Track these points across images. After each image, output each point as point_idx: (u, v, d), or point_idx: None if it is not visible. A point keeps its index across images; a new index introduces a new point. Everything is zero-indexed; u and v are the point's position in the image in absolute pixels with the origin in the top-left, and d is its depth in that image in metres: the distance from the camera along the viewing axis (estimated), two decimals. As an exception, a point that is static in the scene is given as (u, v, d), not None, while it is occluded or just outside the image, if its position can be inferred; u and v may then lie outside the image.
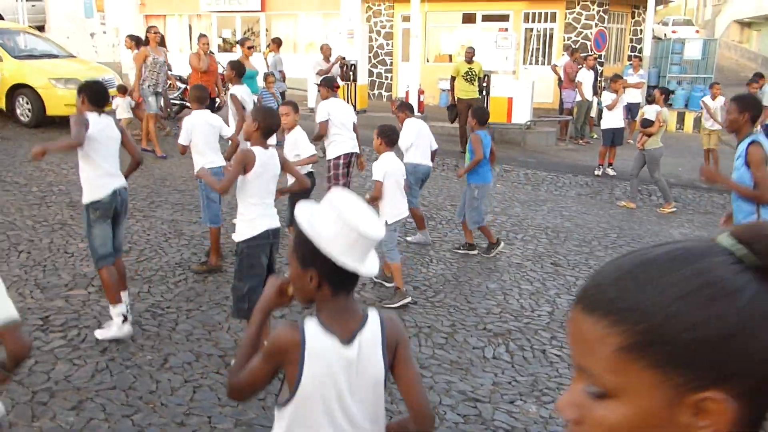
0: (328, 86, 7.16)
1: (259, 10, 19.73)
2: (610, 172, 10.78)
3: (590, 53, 15.32)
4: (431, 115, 14.75)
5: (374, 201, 5.28)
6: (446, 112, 13.36)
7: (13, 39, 12.04)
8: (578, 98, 13.38)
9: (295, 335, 1.70)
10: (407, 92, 13.96)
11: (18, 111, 11.15)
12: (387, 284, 5.67)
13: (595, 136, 13.69)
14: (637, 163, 9.23)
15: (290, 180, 5.05)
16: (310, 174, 5.99)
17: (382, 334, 1.78)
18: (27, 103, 11.07)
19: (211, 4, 19.95)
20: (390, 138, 5.41)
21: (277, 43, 11.18)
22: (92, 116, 4.43)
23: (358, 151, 6.87)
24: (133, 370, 4.02)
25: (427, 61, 18.51)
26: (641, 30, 19.01)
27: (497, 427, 3.76)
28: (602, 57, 16.89)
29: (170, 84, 10.64)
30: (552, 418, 3.88)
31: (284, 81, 12.09)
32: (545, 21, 17.76)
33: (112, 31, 21.31)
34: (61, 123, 11.28)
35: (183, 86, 12.70)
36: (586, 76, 13.26)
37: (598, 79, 14.46)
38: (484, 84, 12.55)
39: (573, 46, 16.50)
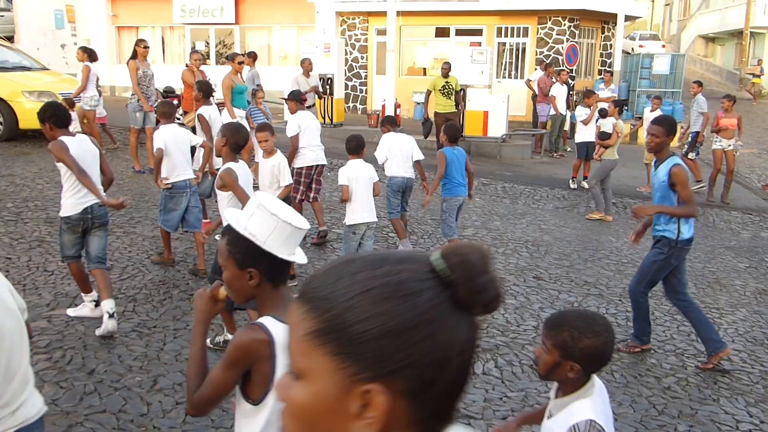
0: (297, 100, 7.51)
1: (233, 22, 19.67)
2: (585, 185, 10.96)
3: (562, 68, 15.59)
4: (407, 128, 14.81)
5: (343, 202, 5.86)
6: (419, 124, 13.48)
7: (-16, 51, 11.81)
8: (552, 112, 13.59)
9: (261, 334, 1.80)
10: (383, 105, 14.04)
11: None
12: None
13: (569, 149, 13.90)
14: (599, 175, 9.51)
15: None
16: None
17: None
18: (-1, 117, 10.86)
19: (185, 17, 19.83)
20: (350, 147, 5.89)
21: (252, 57, 11.17)
22: (67, 139, 4.65)
23: (324, 163, 7.30)
24: (122, 393, 3.96)
25: (401, 75, 18.64)
26: (611, 45, 19.42)
27: (491, 444, 3.79)
28: (573, 72, 17.21)
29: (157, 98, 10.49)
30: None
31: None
32: (518, 36, 18.04)
33: (84, 42, 20.99)
34: (34, 137, 11.10)
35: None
36: (559, 91, 13.48)
37: (571, 93, 14.72)
38: (461, 98, 12.69)
39: (545, 61, 16.78)
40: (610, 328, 2.09)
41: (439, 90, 11.86)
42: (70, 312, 4.98)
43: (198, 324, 1.97)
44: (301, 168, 7.08)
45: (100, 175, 4.95)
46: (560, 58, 17.10)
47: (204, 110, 7.27)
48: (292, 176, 6.87)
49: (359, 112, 18.80)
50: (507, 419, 4.04)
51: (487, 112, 13.26)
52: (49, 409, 3.75)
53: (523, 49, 18.07)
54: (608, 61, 19.40)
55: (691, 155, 10.94)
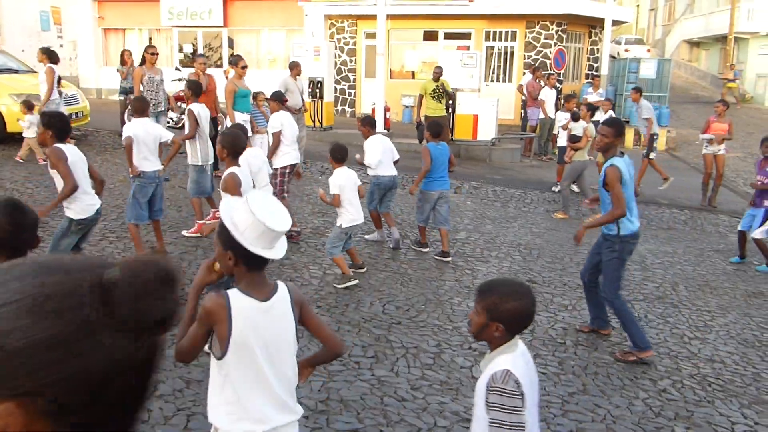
0: (279, 100, 7.87)
1: (221, 25, 19.61)
2: (574, 188, 11.04)
3: (551, 72, 15.72)
4: (396, 131, 14.88)
5: (334, 205, 6.16)
6: (409, 127, 13.52)
7: (-29, 53, 11.69)
8: (541, 116, 13.69)
9: (221, 299, 2.17)
10: (373, 109, 14.06)
11: (-24, 127, 10.81)
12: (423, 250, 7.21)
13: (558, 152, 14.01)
14: (569, 177, 9.87)
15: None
16: None
17: (290, 296, 2.32)
18: (-14, 120, 10.75)
19: (173, 19, 19.74)
20: (338, 156, 6.21)
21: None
22: (65, 147, 4.84)
23: (299, 161, 7.82)
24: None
25: (390, 78, 18.68)
26: (598, 49, 19.58)
27: (492, 447, 3.81)
28: (561, 75, 17.34)
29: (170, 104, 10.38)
30: (544, 437, 3.96)
31: None
32: (506, 39, 18.15)
33: (70, 44, 20.87)
34: (22, 140, 10.98)
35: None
36: (548, 95, 13.59)
37: (559, 97, 14.83)
38: (450, 102, 12.75)
39: (533, 65, 16.91)
40: (531, 294, 2.37)
41: (430, 94, 11.90)
42: None
43: (192, 287, 2.32)
44: (285, 167, 7.45)
45: (91, 180, 5.14)
46: (548, 62, 17.24)
47: (195, 107, 7.45)
48: (276, 176, 7.36)
49: (348, 116, 18.81)
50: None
51: (477, 115, 13.33)
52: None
53: (512, 53, 18.19)
54: (595, 65, 19.56)
55: (652, 155, 11.11)
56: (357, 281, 6.19)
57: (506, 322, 2.28)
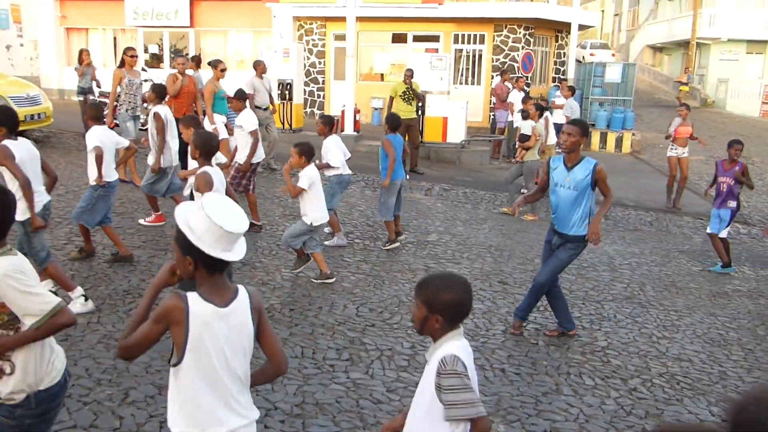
0: (242, 98, 7.99)
1: (188, 25, 19.37)
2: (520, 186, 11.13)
3: (519, 75, 15.89)
4: (366, 133, 14.89)
5: (292, 194, 6.14)
6: (378, 129, 13.52)
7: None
8: (510, 118, 13.82)
9: (180, 301, 2.13)
10: (343, 111, 14.03)
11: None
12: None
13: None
14: (515, 173, 10.10)
15: None
16: None
17: (250, 301, 2.29)
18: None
19: (138, 19, 19.43)
20: (310, 154, 6.18)
21: (195, 61, 11.05)
22: (11, 143, 4.75)
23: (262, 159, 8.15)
24: (92, 407, 3.85)
25: (359, 80, 18.68)
26: (565, 53, 19.89)
27: (468, 449, 3.82)
28: (529, 79, 17.55)
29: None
30: (519, 437, 3.99)
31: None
32: (474, 42, 18.30)
33: (30, 43, 20.38)
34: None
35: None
36: (516, 97, 13.72)
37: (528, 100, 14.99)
38: (420, 104, 12.79)
39: (502, 68, 17.08)
40: (466, 285, 2.40)
41: (401, 96, 11.92)
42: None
43: (150, 286, 2.31)
44: (256, 164, 7.78)
45: (44, 176, 5.13)
46: (516, 65, 17.43)
47: (160, 109, 7.38)
48: (237, 171, 7.53)
49: (317, 117, 18.73)
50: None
51: (447, 118, 13.40)
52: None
53: (480, 56, 18.35)
54: (562, 68, 19.86)
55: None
56: (334, 279, 6.28)
57: (444, 313, 2.34)
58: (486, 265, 7.30)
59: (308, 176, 6.08)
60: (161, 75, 15.04)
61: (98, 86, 12.05)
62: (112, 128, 9.19)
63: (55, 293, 4.86)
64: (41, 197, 5.00)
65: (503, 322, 5.74)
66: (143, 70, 9.71)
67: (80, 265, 6.12)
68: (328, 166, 7.32)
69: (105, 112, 8.03)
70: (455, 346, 2.33)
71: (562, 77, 18.05)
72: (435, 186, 11.12)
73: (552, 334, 5.54)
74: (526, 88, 15.45)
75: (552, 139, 10.49)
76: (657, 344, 5.58)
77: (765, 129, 22.59)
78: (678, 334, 5.86)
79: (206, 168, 4.95)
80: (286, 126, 14.00)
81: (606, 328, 5.85)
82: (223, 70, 9.41)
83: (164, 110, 7.40)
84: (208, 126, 8.79)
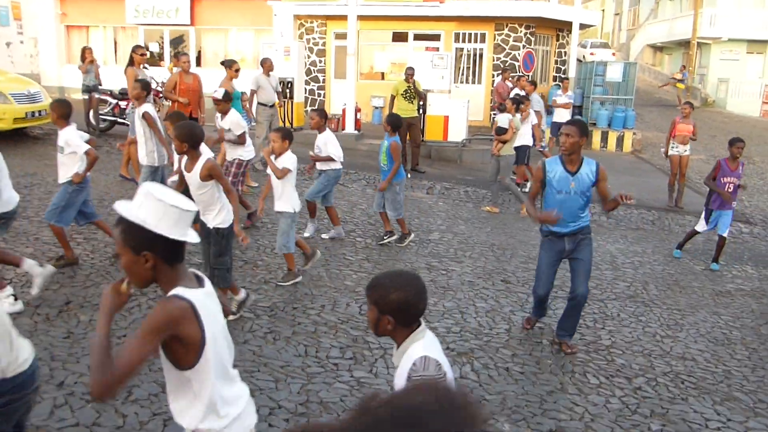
0: (228, 100, 7.76)
1: (188, 23, 19.33)
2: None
3: (521, 74, 15.86)
4: (367, 132, 14.86)
5: (278, 175, 5.95)
6: (379, 128, 13.48)
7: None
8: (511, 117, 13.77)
9: (182, 302, 2.01)
10: (344, 110, 14.01)
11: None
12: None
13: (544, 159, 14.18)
14: (493, 169, 10.05)
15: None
16: None
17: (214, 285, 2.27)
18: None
19: (138, 17, 19.39)
20: (291, 139, 6.08)
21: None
22: None
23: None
24: (95, 405, 3.82)
25: (359, 79, 18.65)
26: (566, 52, 19.86)
27: (473, 448, 3.80)
28: (530, 78, 17.52)
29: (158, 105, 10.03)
30: (524, 436, 3.97)
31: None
32: (475, 41, 18.27)
33: (30, 41, 20.34)
34: (-18, 138, 10.66)
35: (114, 101, 12.29)
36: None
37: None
38: (421, 103, 12.77)
39: (503, 67, 17.05)
40: (415, 283, 2.31)
41: (402, 94, 11.89)
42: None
43: (102, 315, 2.07)
44: (244, 161, 7.64)
45: None
46: (517, 64, 17.40)
47: (149, 108, 7.30)
48: (230, 165, 7.51)
49: (309, 111, 18.70)
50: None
51: (448, 117, 13.38)
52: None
53: (481, 55, 18.32)
54: (563, 67, 19.82)
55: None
56: (300, 278, 6.18)
57: (394, 314, 2.25)
58: (489, 264, 7.28)
59: (292, 159, 6.03)
60: (164, 73, 15.04)
61: (99, 84, 12.02)
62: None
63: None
64: (12, 194, 5.07)
65: (506, 321, 5.72)
66: (144, 68, 9.65)
67: (82, 262, 6.08)
68: (330, 159, 7.29)
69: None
70: (421, 346, 2.26)
71: (563, 76, 18.00)
72: (436, 185, 11.10)
73: (572, 350, 5.19)
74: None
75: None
76: (661, 343, 5.56)
77: (765, 129, 22.57)
78: (682, 333, 5.84)
79: (209, 155, 4.94)
80: (287, 124, 13.97)
81: (610, 326, 5.83)
82: (237, 70, 9.46)
83: (151, 108, 7.34)
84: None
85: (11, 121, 10.72)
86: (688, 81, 25.69)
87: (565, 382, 4.70)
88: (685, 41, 27.69)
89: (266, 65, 10.98)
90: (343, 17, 14.22)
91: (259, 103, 10.66)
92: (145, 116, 7.15)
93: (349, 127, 13.71)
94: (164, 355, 2.11)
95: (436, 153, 13.54)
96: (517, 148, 10.63)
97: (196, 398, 2.14)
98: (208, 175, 4.77)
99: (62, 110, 5.88)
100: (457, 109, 13.48)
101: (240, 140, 7.49)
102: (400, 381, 2.27)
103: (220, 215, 4.97)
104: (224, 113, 7.47)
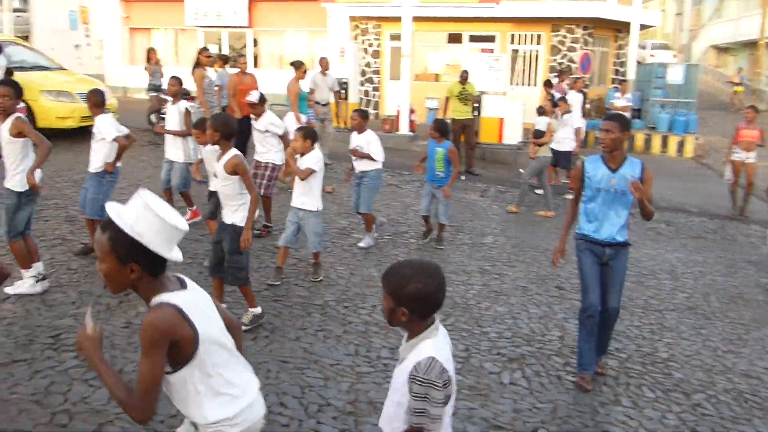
0: (263, 103, 7.50)
1: (246, 25, 19.71)
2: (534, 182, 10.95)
3: (578, 76, 15.57)
4: (421, 133, 14.82)
5: (300, 175, 5.92)
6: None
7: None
8: (567, 120, 13.53)
9: (168, 307, 2.02)
10: (398, 111, 14.03)
11: (6, 123, 10.94)
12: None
13: (582, 157, 13.88)
14: (530, 172, 9.89)
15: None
16: None
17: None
18: (16, 115, 10.87)
19: (198, 19, 19.88)
20: (315, 138, 6.04)
21: (223, 59, 11.28)
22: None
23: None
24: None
25: (413, 80, 18.63)
26: (624, 53, 19.39)
27: (524, 456, 3.75)
28: (587, 80, 17.18)
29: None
30: (577, 446, 3.88)
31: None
32: (531, 43, 18.02)
33: (97, 43, 21.09)
34: (49, 135, 11.10)
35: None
36: (574, 99, 13.44)
37: (585, 101, 14.68)
38: (476, 105, 12.67)
39: (559, 68, 16.77)
40: (435, 275, 2.19)
41: (456, 96, 11.84)
42: (9, 290, 5.22)
43: (91, 360, 2.05)
44: (277, 164, 7.39)
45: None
46: (574, 65, 17.08)
47: (188, 104, 7.51)
48: (264, 168, 7.31)
49: (371, 117, 18.78)
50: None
51: (503, 119, 13.22)
52: (80, 407, 3.76)
53: (536, 57, 18.06)
54: (621, 69, 19.36)
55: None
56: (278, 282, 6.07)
57: (410, 306, 2.15)
58: (542, 269, 7.16)
59: (316, 158, 5.97)
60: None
61: (161, 85, 12.39)
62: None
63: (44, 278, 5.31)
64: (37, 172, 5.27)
65: (559, 328, 5.61)
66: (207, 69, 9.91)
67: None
68: (370, 158, 7.25)
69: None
70: (431, 344, 2.18)
71: (622, 78, 17.58)
72: (491, 187, 11.00)
73: (604, 370, 4.89)
74: (584, 89, 15.12)
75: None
76: (722, 358, 5.36)
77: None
78: (745, 348, 5.61)
79: (236, 150, 4.91)
80: (342, 125, 14.09)
81: (668, 339, 5.65)
82: (305, 72, 9.65)
83: (188, 105, 7.57)
84: (291, 125, 8.65)
85: (79, 119, 11.17)
86: (755, 83, 24.71)
87: (619, 394, 4.57)
88: (752, 42, 26.64)
89: (323, 64, 11.13)
90: (398, 19, 14.24)
91: (315, 102, 10.82)
92: (186, 112, 7.37)
93: (403, 129, 13.72)
94: None
95: (491, 155, 13.42)
96: (558, 153, 10.46)
97: (199, 394, 2.15)
98: (233, 170, 4.82)
99: (96, 99, 6.20)
100: (512, 111, 13.31)
101: (281, 141, 7.34)
102: (402, 377, 2.19)
103: (239, 213, 4.93)
104: (259, 116, 7.33)
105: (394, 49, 18.01)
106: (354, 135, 7.35)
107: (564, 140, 10.41)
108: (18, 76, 11.11)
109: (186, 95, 12.43)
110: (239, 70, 9.68)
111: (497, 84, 13.55)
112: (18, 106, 5.20)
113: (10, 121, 5.04)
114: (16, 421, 3.62)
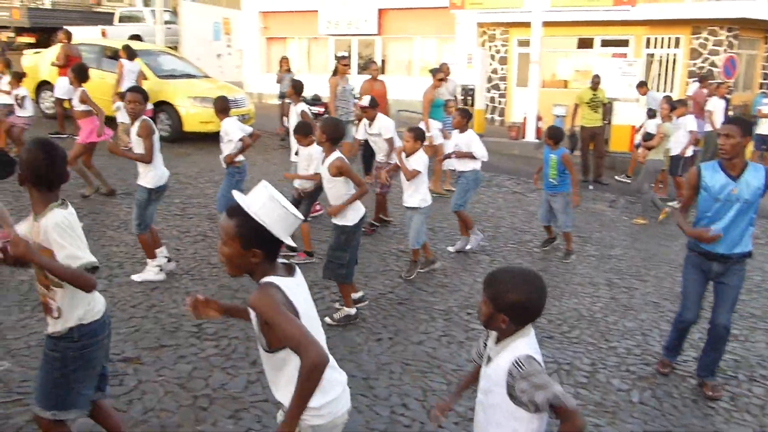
0: (375, 107, 7.61)
1: (375, 33, 20.20)
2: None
3: (721, 81, 14.57)
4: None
5: (408, 177, 6.13)
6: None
7: (156, 59, 12.94)
8: (708, 128, 12.72)
9: (274, 288, 2.14)
10: (525, 118, 13.82)
11: (158, 126, 11.92)
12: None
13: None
14: (642, 178, 9.46)
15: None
16: None
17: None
18: (167, 119, 11.83)
19: (330, 28, 20.64)
20: (424, 138, 6.22)
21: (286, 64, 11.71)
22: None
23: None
24: (283, 386, 4.14)
25: (541, 86, 18.25)
26: (775, 57, 17.90)
27: (654, 478, 3.59)
28: (731, 85, 16.02)
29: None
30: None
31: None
32: (668, 46, 17.10)
33: (237, 52, 22.46)
34: (194, 138, 11.98)
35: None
36: (717, 105, 12.59)
37: (728, 108, 13.70)
38: (609, 111, 12.23)
39: (699, 73, 15.77)
40: (538, 285, 2.21)
41: (587, 103, 11.49)
42: (135, 277, 5.78)
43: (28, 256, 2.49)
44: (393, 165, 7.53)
45: None
46: (716, 70, 16.00)
47: (305, 107, 7.84)
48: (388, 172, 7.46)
49: (497, 124, 18.62)
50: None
51: (635, 126, 12.65)
52: (219, 393, 4.04)
53: (674, 61, 17.10)
54: (771, 74, 17.90)
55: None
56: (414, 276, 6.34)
57: (510, 313, 2.19)
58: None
59: (423, 159, 6.11)
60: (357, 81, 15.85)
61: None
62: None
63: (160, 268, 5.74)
64: (165, 171, 5.80)
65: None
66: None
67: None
68: (472, 156, 7.20)
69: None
70: (525, 344, 2.20)
71: (772, 84, 16.24)
72: (620, 198, 10.56)
73: (716, 394, 4.53)
74: (727, 95, 14.13)
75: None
76: None
77: None
78: None
79: (339, 153, 5.10)
80: (465, 131, 14.07)
81: (821, 366, 5.16)
82: (441, 79, 9.72)
83: (307, 107, 7.88)
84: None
85: (219, 124, 11.93)
86: None
87: (766, 425, 4.25)
88: None
89: (444, 70, 11.19)
90: (526, 24, 14.04)
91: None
92: (303, 114, 7.66)
93: (530, 136, 13.50)
94: (261, 341, 2.24)
95: (622, 164, 12.86)
96: (671, 158, 9.86)
97: (291, 378, 2.15)
98: (337, 172, 5.01)
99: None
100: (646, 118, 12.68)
101: (388, 143, 7.48)
102: (496, 377, 2.20)
103: (349, 213, 5.11)
104: (372, 120, 7.49)
105: (522, 55, 17.75)
106: (455, 134, 7.44)
107: (677, 145, 9.82)
108: (168, 83, 12.13)
109: (317, 101, 13.01)
110: (370, 76, 9.92)
111: (630, 90, 12.97)
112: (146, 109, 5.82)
113: (138, 123, 5.59)
114: (163, 402, 3.95)
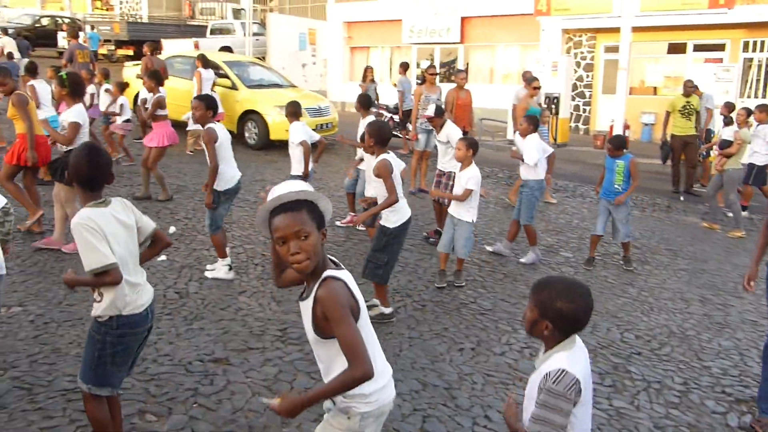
0: (441, 115, 7.47)
1: (458, 41, 20.17)
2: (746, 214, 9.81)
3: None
4: (634, 150, 13.96)
5: (460, 199, 6.09)
6: (647, 146, 12.64)
7: (246, 70, 13.42)
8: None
9: (341, 282, 2.18)
10: (611, 126, 13.42)
11: (246, 135, 12.38)
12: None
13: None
14: (715, 185, 9.31)
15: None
16: None
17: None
18: (254, 128, 12.24)
19: (413, 37, 20.78)
20: (477, 148, 6.17)
21: (403, 66, 11.58)
22: (216, 127, 5.72)
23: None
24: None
25: (628, 94, 17.68)
26: None
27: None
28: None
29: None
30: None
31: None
32: (769, 50, 16.18)
33: (321, 62, 22.98)
34: (280, 146, 12.32)
35: (389, 115, 13.32)
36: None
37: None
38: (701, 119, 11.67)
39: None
40: (586, 298, 2.23)
41: (679, 110, 11.03)
42: (208, 273, 6.05)
43: (298, 408, 2.24)
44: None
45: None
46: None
47: (372, 119, 7.80)
48: (452, 180, 7.17)
49: (581, 133, 18.17)
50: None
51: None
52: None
53: (775, 66, 16.16)
54: None
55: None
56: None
57: (555, 321, 2.21)
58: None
59: (475, 177, 6.07)
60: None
61: (377, 100, 13.15)
62: (413, 139, 9.98)
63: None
64: (236, 173, 5.91)
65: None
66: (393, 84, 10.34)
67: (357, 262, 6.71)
68: (521, 159, 7.08)
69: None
70: (565, 356, 2.21)
71: None
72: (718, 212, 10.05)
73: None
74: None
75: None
76: None
77: None
78: None
79: (385, 155, 5.13)
80: (551, 140, 13.81)
81: None
82: (536, 88, 9.71)
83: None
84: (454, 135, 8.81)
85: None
86: None
87: None
88: None
89: (525, 78, 11.07)
90: (615, 30, 13.65)
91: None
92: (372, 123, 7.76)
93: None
94: (315, 334, 2.23)
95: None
96: (749, 167, 9.32)
97: (344, 366, 2.14)
98: (377, 173, 5.06)
99: (291, 109, 7.10)
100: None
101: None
102: (532, 388, 2.26)
103: (392, 215, 5.15)
104: (439, 127, 7.47)
105: (609, 62, 17.26)
106: (517, 137, 7.40)
107: (755, 154, 9.25)
108: (257, 93, 12.55)
109: (396, 111, 13.10)
110: (456, 85, 9.92)
111: (726, 97, 12.35)
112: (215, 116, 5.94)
113: (204, 131, 5.81)
114: (250, 403, 4.08)
